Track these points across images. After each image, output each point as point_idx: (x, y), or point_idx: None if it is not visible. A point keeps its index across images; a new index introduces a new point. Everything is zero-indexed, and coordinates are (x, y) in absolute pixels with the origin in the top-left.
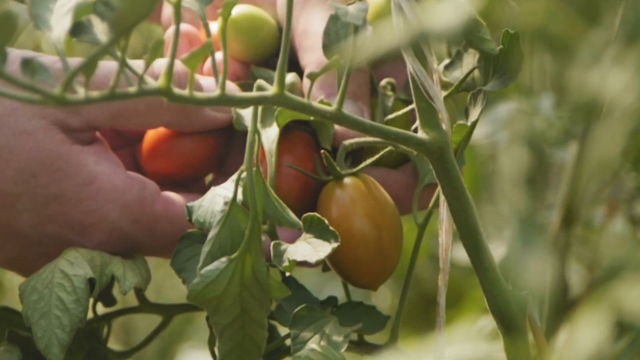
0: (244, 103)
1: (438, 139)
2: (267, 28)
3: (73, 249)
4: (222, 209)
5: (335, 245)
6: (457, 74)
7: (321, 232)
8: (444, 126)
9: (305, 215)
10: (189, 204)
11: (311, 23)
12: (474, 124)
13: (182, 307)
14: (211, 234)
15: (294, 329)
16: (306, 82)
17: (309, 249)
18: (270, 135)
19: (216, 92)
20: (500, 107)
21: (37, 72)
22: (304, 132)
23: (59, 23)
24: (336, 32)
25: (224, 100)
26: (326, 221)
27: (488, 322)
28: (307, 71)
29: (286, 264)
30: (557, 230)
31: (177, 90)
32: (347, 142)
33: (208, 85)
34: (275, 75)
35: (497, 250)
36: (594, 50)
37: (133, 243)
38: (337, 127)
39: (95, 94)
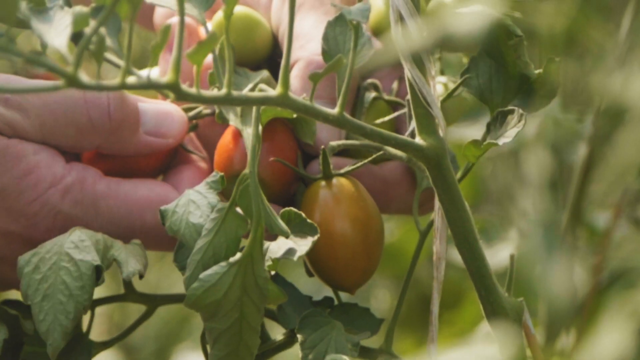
0: (248, 103)
1: (435, 145)
2: (262, 30)
3: (77, 229)
4: (198, 221)
5: (314, 239)
6: (474, 82)
7: (300, 226)
8: (441, 132)
9: (283, 210)
10: (162, 208)
11: (303, 26)
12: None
13: (169, 297)
14: (201, 242)
15: (301, 334)
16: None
17: (290, 246)
18: (252, 132)
19: (223, 91)
20: None
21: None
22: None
23: (60, 35)
24: (335, 37)
25: (230, 100)
26: (304, 215)
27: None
28: (296, 67)
29: (269, 262)
30: (563, 232)
31: (184, 87)
32: (334, 143)
33: (146, 108)
34: (280, 75)
35: (500, 252)
36: (614, 54)
37: (83, 226)
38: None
39: (107, 82)
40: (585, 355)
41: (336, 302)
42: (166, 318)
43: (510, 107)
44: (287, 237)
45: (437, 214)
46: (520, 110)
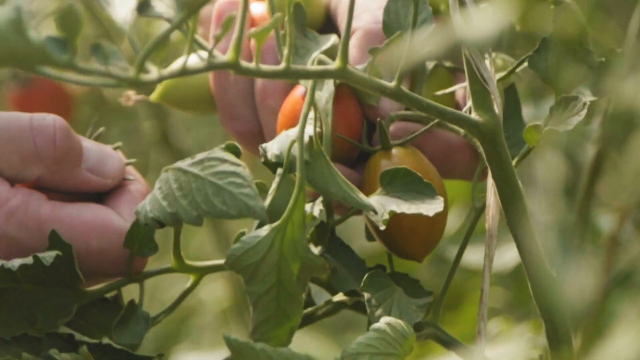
0: (307, 76)
1: (491, 121)
2: (317, 2)
3: None
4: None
5: (441, 199)
6: (542, 65)
7: (412, 185)
8: (496, 109)
9: (386, 170)
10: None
11: None
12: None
13: (215, 267)
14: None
15: (367, 292)
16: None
17: (409, 204)
18: (324, 94)
19: (282, 65)
20: None
21: (109, 57)
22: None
23: (124, 2)
24: (396, 10)
25: (289, 74)
26: (419, 174)
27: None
28: (353, 37)
29: (386, 217)
30: (570, 234)
31: (244, 63)
32: (393, 113)
33: (89, 146)
34: (339, 48)
35: (506, 253)
36: (622, 57)
37: (27, 250)
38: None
39: (167, 71)
40: (592, 357)
41: (388, 270)
42: (164, 319)
43: (574, 94)
44: (370, 210)
45: (489, 191)
46: (584, 99)
